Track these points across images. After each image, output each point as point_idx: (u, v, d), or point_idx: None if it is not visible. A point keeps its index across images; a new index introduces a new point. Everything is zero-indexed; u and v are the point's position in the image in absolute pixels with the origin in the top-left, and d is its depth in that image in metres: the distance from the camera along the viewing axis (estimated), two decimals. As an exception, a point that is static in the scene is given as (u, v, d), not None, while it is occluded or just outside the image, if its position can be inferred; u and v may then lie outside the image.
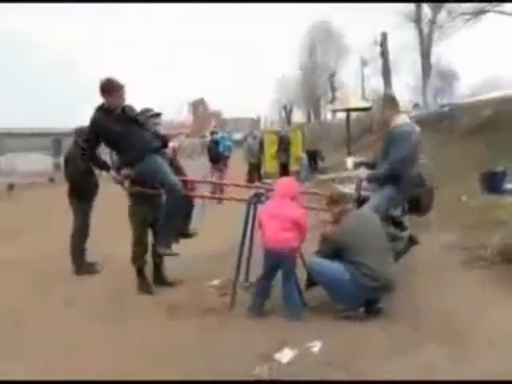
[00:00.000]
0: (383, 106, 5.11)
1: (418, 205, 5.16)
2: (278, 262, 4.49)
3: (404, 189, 4.91)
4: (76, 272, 6.40)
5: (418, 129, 5.07)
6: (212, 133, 14.86)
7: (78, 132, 6.64)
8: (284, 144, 16.12)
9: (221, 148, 13.87)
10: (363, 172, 5.19)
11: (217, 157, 13.66)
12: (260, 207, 4.93)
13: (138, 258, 5.44)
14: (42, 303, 5.27)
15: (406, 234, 5.14)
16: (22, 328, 4.59)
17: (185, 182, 5.38)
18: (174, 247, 5.20)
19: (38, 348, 4.08)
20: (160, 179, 5.10)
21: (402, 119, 5.02)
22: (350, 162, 5.61)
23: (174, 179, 5.04)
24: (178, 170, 5.49)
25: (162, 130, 5.70)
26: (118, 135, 5.02)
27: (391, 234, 4.88)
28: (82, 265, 6.46)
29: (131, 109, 5.23)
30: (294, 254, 4.54)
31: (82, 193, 6.45)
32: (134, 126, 5.11)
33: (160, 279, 5.72)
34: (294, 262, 4.54)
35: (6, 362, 3.79)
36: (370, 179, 5.11)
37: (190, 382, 3.24)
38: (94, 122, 5.08)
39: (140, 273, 5.51)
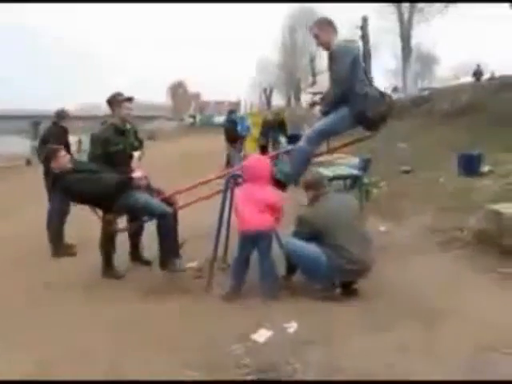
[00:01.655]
0: (319, 31, 4.90)
1: (364, 118, 4.71)
2: (254, 243, 4.47)
3: (354, 106, 4.68)
4: (54, 254, 6.33)
5: (358, 44, 4.88)
6: (230, 112, 14.90)
7: (59, 114, 6.57)
8: (266, 128, 16.01)
9: (239, 128, 13.92)
10: (317, 110, 5.06)
11: (235, 137, 13.66)
12: (237, 190, 4.90)
13: (106, 239, 5.34)
14: (20, 286, 5.22)
15: None
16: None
17: (167, 200, 5.33)
18: None
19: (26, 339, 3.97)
20: (149, 212, 5.14)
21: (340, 39, 4.87)
22: (304, 98, 5.53)
23: (162, 206, 5.07)
24: (157, 192, 5.40)
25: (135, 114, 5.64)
26: (84, 191, 4.97)
27: None
28: (59, 247, 6.40)
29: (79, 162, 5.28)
30: (270, 232, 4.51)
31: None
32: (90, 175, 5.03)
33: (137, 256, 5.74)
34: (269, 240, 4.51)
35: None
36: (324, 112, 4.95)
37: (188, 381, 3.22)
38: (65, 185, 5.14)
39: (108, 259, 5.39)
